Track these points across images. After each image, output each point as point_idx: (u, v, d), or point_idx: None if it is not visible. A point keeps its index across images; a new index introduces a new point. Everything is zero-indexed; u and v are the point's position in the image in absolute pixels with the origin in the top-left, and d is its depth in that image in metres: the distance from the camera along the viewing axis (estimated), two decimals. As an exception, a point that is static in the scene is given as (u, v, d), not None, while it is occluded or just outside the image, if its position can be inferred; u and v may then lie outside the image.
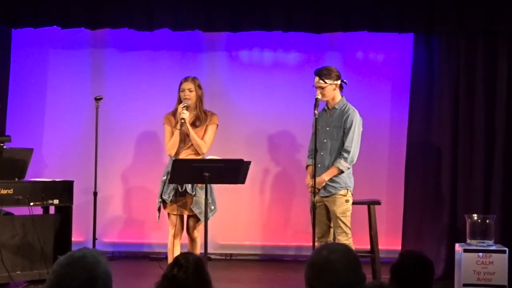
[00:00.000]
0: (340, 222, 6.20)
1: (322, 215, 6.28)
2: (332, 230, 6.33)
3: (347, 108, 6.30)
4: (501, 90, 7.45)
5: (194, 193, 6.26)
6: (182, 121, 6.25)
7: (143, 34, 8.04)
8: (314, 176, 6.12)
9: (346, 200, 6.23)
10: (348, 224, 6.22)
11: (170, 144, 6.39)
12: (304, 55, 8.30)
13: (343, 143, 6.24)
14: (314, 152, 6.17)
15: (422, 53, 7.71)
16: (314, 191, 6.12)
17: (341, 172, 6.22)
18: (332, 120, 6.32)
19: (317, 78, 6.27)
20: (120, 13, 7.72)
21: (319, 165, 6.22)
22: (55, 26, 7.84)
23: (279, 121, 8.28)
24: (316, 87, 6.28)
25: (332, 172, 6.22)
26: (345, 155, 6.21)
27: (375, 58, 8.26)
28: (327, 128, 6.30)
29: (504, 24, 7.40)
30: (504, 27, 7.42)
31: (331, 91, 6.28)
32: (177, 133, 6.31)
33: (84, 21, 7.77)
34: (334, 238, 6.31)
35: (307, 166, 6.51)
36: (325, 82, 6.24)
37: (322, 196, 6.23)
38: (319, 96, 6.23)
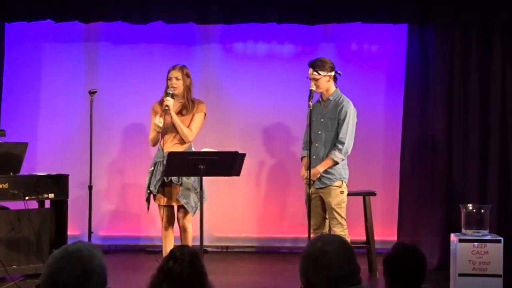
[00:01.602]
0: (335, 213, 6.20)
1: (317, 206, 6.28)
2: (327, 221, 6.34)
3: (341, 99, 6.30)
4: (495, 80, 7.45)
5: (180, 182, 6.27)
6: (166, 108, 6.28)
7: (137, 27, 8.02)
8: (309, 168, 6.13)
9: (341, 191, 6.24)
10: (344, 216, 6.23)
11: (150, 137, 6.48)
12: (298, 47, 8.30)
13: (337, 134, 6.25)
14: (309, 144, 6.17)
15: (417, 44, 7.70)
16: (309, 182, 6.13)
17: (336, 163, 6.22)
18: (327, 111, 6.32)
19: (311, 70, 6.27)
20: (114, 7, 7.69)
21: (314, 157, 6.22)
22: (48, 19, 7.82)
23: (274, 113, 8.28)
24: (310, 79, 6.28)
25: (326, 163, 6.22)
26: (340, 146, 6.21)
27: (369, 49, 8.26)
28: (322, 120, 6.30)
29: (498, 15, 7.39)
30: (498, 18, 7.41)
31: (325, 82, 6.28)
32: (152, 126, 6.38)
33: (78, 14, 7.74)
34: (330, 229, 6.32)
35: (302, 158, 6.52)
36: (319, 74, 6.24)
37: (317, 188, 6.24)
38: (313, 88, 6.24)
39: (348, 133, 6.24)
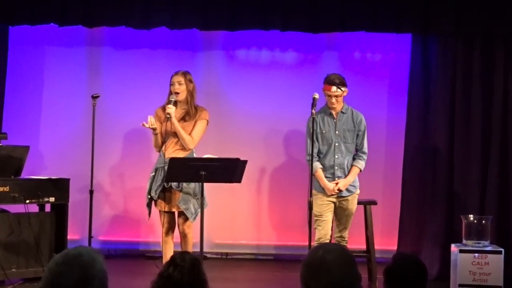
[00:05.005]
0: (350, 220, 6.52)
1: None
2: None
3: (355, 111, 6.56)
4: (497, 91, 7.45)
5: (180, 188, 6.26)
6: (168, 115, 6.28)
7: (140, 33, 8.02)
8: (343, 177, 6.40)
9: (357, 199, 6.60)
10: None
11: (153, 142, 6.54)
12: (301, 55, 8.29)
13: (355, 144, 6.52)
14: (323, 154, 6.40)
15: (420, 54, 7.70)
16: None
17: (360, 171, 6.53)
18: (342, 123, 6.48)
19: (334, 87, 6.40)
20: (117, 11, 7.69)
21: (336, 168, 6.43)
22: (52, 23, 7.82)
23: (276, 121, 8.27)
24: (331, 96, 6.39)
25: (355, 173, 6.50)
26: (364, 156, 6.55)
27: (372, 58, 8.26)
28: (337, 132, 6.44)
29: (501, 27, 7.40)
30: (501, 30, 7.42)
31: (343, 97, 6.52)
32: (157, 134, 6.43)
33: (81, 19, 7.74)
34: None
35: (316, 170, 6.39)
36: (342, 90, 6.43)
37: (341, 196, 6.43)
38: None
39: (366, 143, 6.57)
